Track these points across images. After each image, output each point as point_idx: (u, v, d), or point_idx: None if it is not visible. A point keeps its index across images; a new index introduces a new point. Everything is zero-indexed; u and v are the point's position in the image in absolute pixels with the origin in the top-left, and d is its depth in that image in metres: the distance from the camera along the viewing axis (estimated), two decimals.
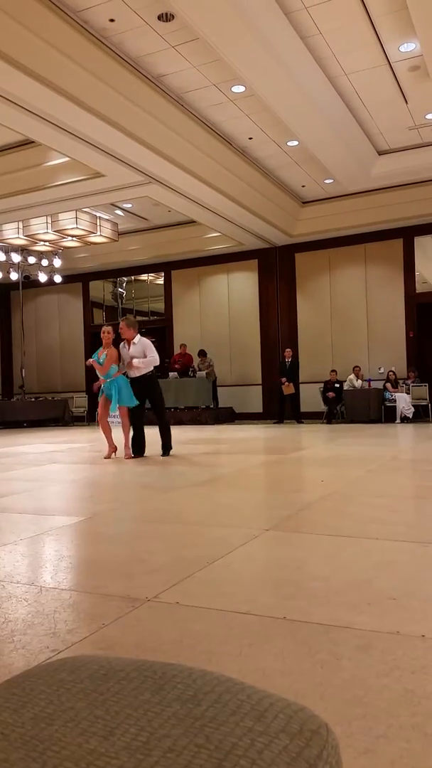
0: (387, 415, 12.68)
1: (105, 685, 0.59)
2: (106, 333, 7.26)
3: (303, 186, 12.60)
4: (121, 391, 6.96)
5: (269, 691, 0.61)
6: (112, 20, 7.05)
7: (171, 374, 14.34)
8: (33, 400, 15.92)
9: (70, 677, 0.62)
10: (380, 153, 11.34)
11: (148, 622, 1.97)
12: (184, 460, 6.89)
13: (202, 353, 14.55)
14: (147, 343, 7.15)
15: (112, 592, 2.26)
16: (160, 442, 7.11)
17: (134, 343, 7.07)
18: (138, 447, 7.11)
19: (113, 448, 7.10)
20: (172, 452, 7.17)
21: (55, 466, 6.62)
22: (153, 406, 7.17)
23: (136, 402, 6.98)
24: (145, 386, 7.05)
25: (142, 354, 7.02)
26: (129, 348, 7.09)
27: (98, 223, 13.20)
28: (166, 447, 7.13)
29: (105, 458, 7.04)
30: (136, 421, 7.11)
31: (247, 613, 2.00)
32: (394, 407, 12.50)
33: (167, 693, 0.58)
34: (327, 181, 12.22)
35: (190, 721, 0.54)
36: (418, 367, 13.17)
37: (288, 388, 13.37)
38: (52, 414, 15.29)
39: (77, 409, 16.20)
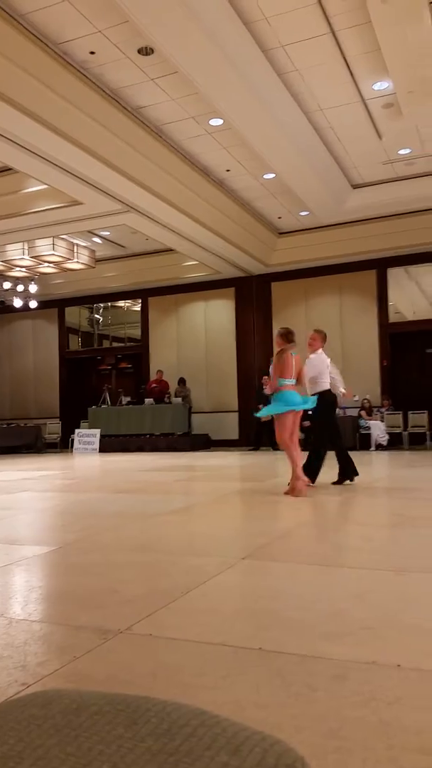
0: (362, 442, 12.76)
1: (77, 720, 0.57)
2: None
3: (279, 217, 12.83)
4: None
5: (244, 724, 0.60)
6: (92, 53, 7.17)
7: (147, 401, 14.31)
8: (5, 426, 15.69)
9: (40, 712, 0.60)
10: (354, 186, 11.62)
11: (120, 655, 1.93)
12: (158, 488, 6.82)
13: (182, 381, 14.58)
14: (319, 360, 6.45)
15: (84, 624, 2.21)
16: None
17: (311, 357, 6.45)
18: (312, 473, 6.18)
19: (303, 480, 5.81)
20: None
21: (27, 494, 6.51)
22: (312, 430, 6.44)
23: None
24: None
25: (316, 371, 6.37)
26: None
27: (75, 250, 13.24)
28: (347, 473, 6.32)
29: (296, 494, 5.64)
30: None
31: (222, 644, 1.97)
32: (369, 435, 12.60)
33: (141, 727, 0.57)
34: (302, 213, 12.46)
35: (164, 756, 0.53)
36: (391, 395, 13.34)
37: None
38: (24, 441, 15.07)
39: (50, 436, 16.00)
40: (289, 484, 5.72)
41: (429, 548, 3.46)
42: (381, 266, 13.67)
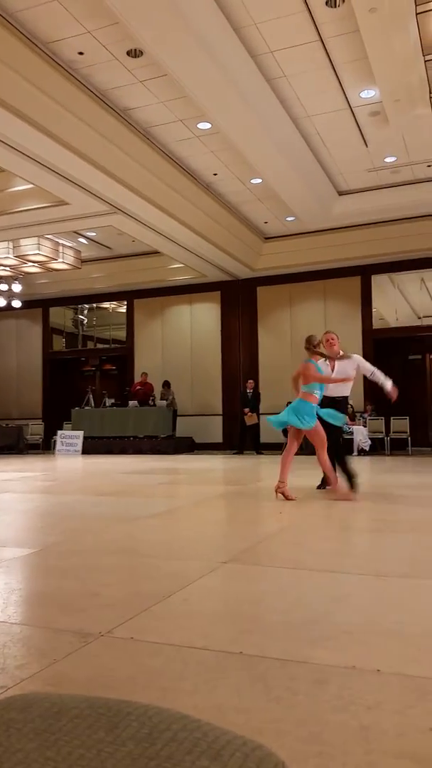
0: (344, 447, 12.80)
1: (57, 724, 0.57)
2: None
3: (266, 222, 12.88)
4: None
5: (225, 729, 0.60)
6: (81, 53, 7.16)
7: (131, 403, 14.26)
8: None
9: (19, 716, 0.59)
10: (340, 193, 11.71)
11: (101, 658, 1.91)
12: (141, 491, 6.80)
13: (167, 384, 14.56)
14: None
15: (64, 627, 2.19)
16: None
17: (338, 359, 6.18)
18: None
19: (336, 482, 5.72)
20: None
21: (7, 496, 6.45)
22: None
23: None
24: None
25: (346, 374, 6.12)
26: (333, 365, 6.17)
27: (61, 250, 13.17)
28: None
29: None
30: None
31: (204, 649, 1.96)
32: (352, 440, 12.67)
33: (122, 731, 0.56)
34: (289, 219, 12.52)
35: (145, 761, 0.52)
36: (374, 400, 13.43)
37: (251, 419, 13.44)
38: (5, 441, 14.93)
39: (32, 437, 15.88)
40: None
41: (410, 553, 3.49)
42: (365, 273, 13.77)
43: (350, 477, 5.85)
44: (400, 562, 3.24)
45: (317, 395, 5.72)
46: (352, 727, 1.44)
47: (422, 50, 6.35)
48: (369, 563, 3.26)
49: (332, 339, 6.13)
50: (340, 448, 6.07)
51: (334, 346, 6.11)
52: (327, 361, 6.10)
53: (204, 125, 8.79)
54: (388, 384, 6.10)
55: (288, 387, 14.63)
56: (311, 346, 5.82)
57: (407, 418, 12.97)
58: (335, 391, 6.10)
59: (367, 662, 1.83)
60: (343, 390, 6.18)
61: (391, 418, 13.04)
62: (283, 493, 5.62)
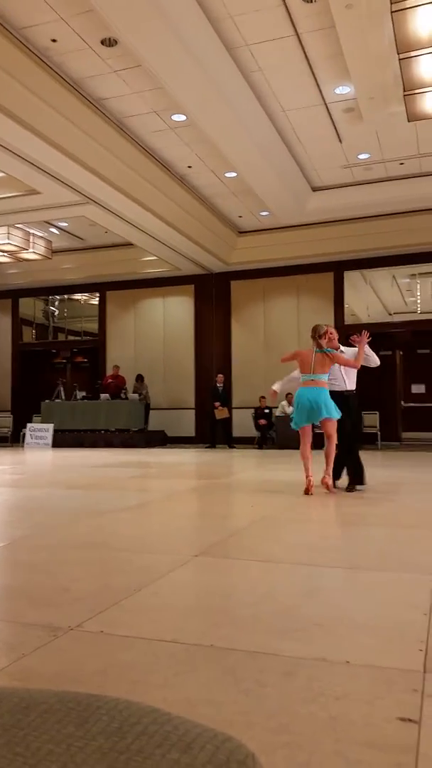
0: (316, 441, 12.92)
1: (25, 720, 0.56)
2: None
3: (240, 216, 12.88)
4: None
5: (196, 722, 0.60)
6: (54, 40, 7.04)
7: (102, 396, 14.16)
8: None
9: None
10: (314, 189, 11.76)
11: (70, 652, 1.90)
12: (112, 485, 6.76)
13: (140, 378, 14.49)
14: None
15: (33, 621, 2.17)
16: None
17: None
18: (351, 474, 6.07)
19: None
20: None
21: None
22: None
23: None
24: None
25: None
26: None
27: (31, 240, 12.97)
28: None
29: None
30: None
31: (174, 642, 1.96)
32: (323, 434, 12.77)
33: (91, 726, 0.56)
34: (263, 214, 12.54)
35: (115, 755, 0.52)
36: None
37: (221, 413, 13.46)
38: None
39: (1, 430, 15.65)
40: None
41: (380, 546, 3.54)
42: (338, 269, 13.88)
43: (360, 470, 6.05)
44: (370, 555, 3.29)
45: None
46: (320, 717, 1.46)
47: (397, 48, 6.39)
48: (339, 556, 3.29)
49: (332, 333, 6.20)
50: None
51: (333, 341, 6.18)
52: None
53: (179, 117, 8.73)
54: (373, 358, 6.16)
55: (259, 381, 14.65)
56: (317, 336, 5.87)
57: (377, 413, 13.14)
58: (343, 386, 6.15)
59: (336, 654, 1.85)
60: (349, 385, 6.22)
61: (362, 413, 13.18)
62: (326, 486, 5.67)
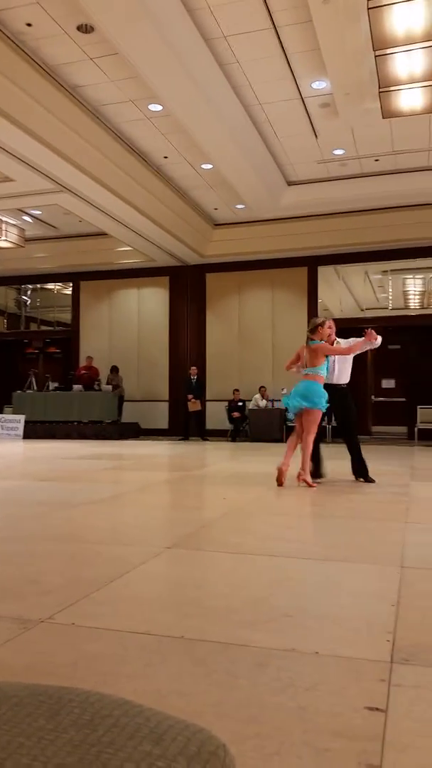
0: (289, 434, 13.02)
1: None
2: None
3: (216, 209, 12.85)
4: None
5: (168, 714, 0.60)
6: (29, 24, 6.91)
7: (75, 387, 14.04)
8: None
9: None
10: (289, 183, 11.78)
11: (40, 644, 1.89)
12: (84, 476, 6.72)
13: (115, 369, 14.40)
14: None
15: (3, 614, 2.15)
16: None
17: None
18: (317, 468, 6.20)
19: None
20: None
21: None
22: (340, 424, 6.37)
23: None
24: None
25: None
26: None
27: (4, 228, 12.75)
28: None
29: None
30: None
31: (145, 633, 1.97)
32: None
33: (63, 718, 0.56)
34: (238, 206, 12.53)
35: (87, 747, 0.52)
36: None
37: (193, 405, 13.47)
38: None
39: None
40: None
41: (349, 538, 3.58)
42: (312, 264, 13.94)
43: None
44: (339, 546, 3.33)
45: (323, 376, 5.90)
46: (290, 708, 1.48)
47: (373, 45, 6.43)
48: (309, 548, 3.33)
49: (330, 327, 6.26)
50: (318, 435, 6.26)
51: (331, 335, 6.24)
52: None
53: (155, 107, 8.65)
54: (369, 344, 6.23)
55: (233, 374, 14.66)
56: (308, 330, 6.01)
57: None
58: (332, 379, 6.21)
59: (305, 645, 1.88)
60: (342, 377, 6.32)
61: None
62: (305, 481, 5.65)
